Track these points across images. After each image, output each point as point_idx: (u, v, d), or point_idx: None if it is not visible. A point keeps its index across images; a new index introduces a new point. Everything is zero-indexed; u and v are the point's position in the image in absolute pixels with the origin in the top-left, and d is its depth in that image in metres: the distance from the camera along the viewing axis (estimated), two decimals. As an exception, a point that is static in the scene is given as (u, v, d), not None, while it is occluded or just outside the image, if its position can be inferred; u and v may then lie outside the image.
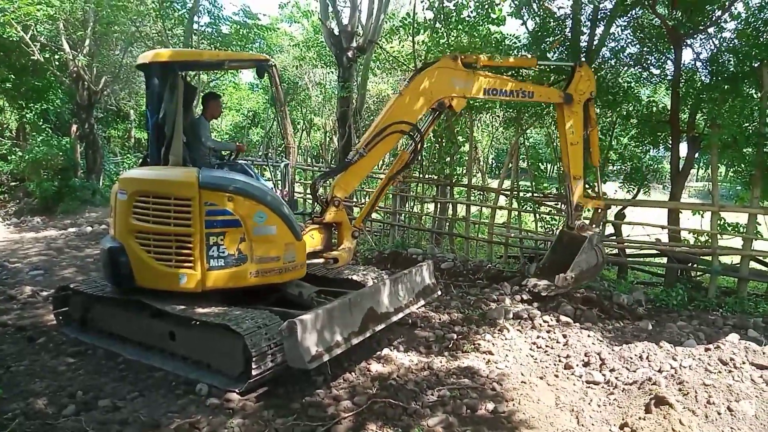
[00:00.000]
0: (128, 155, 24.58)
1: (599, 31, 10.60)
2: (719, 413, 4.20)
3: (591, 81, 7.00)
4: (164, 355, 5.19)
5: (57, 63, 15.99)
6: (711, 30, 9.92)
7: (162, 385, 4.77)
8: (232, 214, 5.05)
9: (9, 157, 16.36)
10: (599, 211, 7.66)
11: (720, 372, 4.96)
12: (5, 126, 19.58)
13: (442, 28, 11.70)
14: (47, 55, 15.60)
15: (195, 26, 16.97)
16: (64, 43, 15.52)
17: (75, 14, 15.20)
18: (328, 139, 24.63)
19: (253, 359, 4.44)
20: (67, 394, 4.51)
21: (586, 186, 7.94)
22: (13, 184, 17.01)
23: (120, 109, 25.14)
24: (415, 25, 12.04)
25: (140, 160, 6.36)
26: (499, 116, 15.94)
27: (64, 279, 8.15)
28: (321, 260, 5.98)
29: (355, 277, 6.32)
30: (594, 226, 7.44)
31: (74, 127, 17.85)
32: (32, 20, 14.11)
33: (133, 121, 27.26)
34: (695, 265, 9.31)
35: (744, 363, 5.07)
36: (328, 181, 6.62)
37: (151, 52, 5.57)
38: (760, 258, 9.33)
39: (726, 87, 8.70)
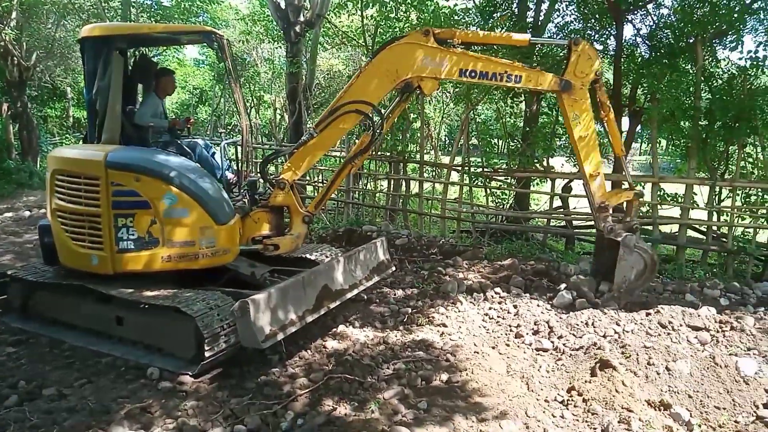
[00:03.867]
0: (67, 135, 23.42)
1: (545, 6, 10.76)
2: (658, 373, 4.45)
3: (593, 59, 5.79)
4: (112, 340, 5.03)
5: (-19, 37, 14.94)
6: (650, 6, 10.23)
7: (111, 370, 4.63)
8: (139, 195, 4.88)
9: (-67, 139, 15.31)
10: (633, 203, 6.31)
11: (659, 335, 5.24)
12: (-73, 105, 18.22)
13: (391, 3, 11.58)
14: (-30, 29, 14.55)
15: (133, -2, 16.19)
16: (-11, 15, 14.51)
17: (-1, -16, 14.21)
18: (278, 116, 24.16)
19: (206, 341, 4.37)
20: (8, 385, 4.31)
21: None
22: (-61, 167, 15.93)
23: (56, 86, 23.83)
24: (364, -1, 11.87)
25: (81, 140, 6.08)
26: (449, 92, 16.04)
27: (1, 266, 7.73)
28: (260, 246, 5.58)
29: (309, 256, 6.28)
30: (629, 220, 6.23)
31: (5, 106, 16.83)
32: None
33: (71, 100, 25.92)
34: (637, 235, 9.71)
35: (681, 325, 5.37)
36: (279, 161, 6.38)
37: (87, 27, 5.35)
38: (696, 226, 9.83)
39: (664, 62, 9.01)
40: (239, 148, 6.00)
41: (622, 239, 6.00)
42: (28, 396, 4.16)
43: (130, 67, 5.73)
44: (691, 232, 9.72)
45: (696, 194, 9.18)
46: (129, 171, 4.87)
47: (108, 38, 5.18)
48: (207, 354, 4.39)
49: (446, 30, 5.77)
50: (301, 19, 12.19)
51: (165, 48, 18.85)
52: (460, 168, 10.68)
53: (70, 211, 5.03)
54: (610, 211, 6.10)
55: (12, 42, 15.17)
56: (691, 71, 9.19)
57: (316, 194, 9.92)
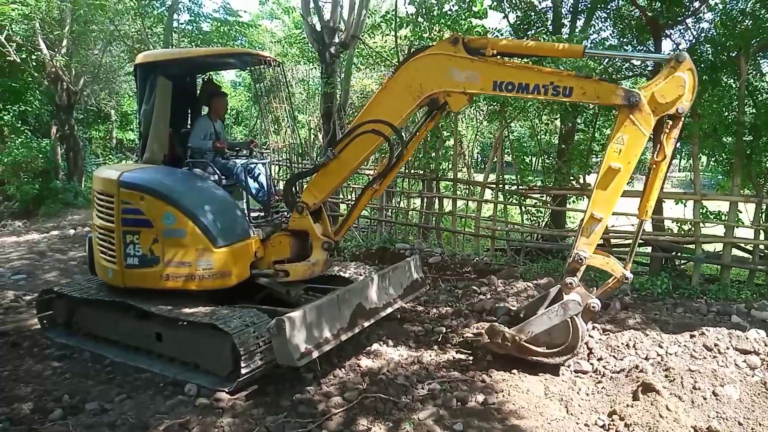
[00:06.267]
0: (110, 156, 24.31)
1: (580, 23, 10.68)
2: (704, 398, 4.27)
3: (687, 90, 4.41)
4: (151, 356, 5.15)
5: (34, 63, 15.73)
6: (689, 21, 10.06)
7: (150, 386, 4.72)
8: (143, 213, 5.07)
9: (-13, 161, 16.05)
10: (614, 282, 4.90)
11: (705, 358, 5.04)
12: (-18, 129, 19.20)
13: (425, 23, 11.69)
14: (24, 56, 15.34)
15: (175, 24, 16.82)
16: (41, 42, 15.26)
17: (51, 13, 14.96)
18: (312, 136, 24.52)
19: (242, 358, 4.41)
20: (53, 399, 4.45)
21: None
22: (-8, 187, 16.70)
23: (101, 109, 24.85)
24: (397, 19, 12.02)
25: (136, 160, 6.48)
26: (483, 110, 16.00)
27: (47, 283, 8.02)
28: (271, 271, 5.38)
29: (343, 274, 6.30)
30: (594, 291, 5.02)
31: (54, 129, 17.58)
32: (7, 20, 13.86)
33: (115, 122, 26.95)
34: (679, 254, 9.43)
35: (728, 348, 5.15)
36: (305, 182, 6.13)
37: (141, 54, 5.77)
38: (742, 245, 9.47)
39: (705, 77, 8.80)
40: (273, 167, 6.07)
41: (566, 298, 4.80)
42: (72, 410, 4.28)
43: (198, 91, 6.20)
44: (736, 251, 9.37)
45: (741, 212, 8.87)
46: (136, 190, 5.10)
47: (153, 64, 5.49)
48: (243, 371, 4.42)
49: (478, 38, 4.99)
50: (336, 40, 12.42)
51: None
52: (494, 186, 10.60)
53: (99, 226, 5.41)
54: (582, 268, 4.76)
55: (62, 68, 15.92)
56: (733, 86, 8.95)
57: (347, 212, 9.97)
